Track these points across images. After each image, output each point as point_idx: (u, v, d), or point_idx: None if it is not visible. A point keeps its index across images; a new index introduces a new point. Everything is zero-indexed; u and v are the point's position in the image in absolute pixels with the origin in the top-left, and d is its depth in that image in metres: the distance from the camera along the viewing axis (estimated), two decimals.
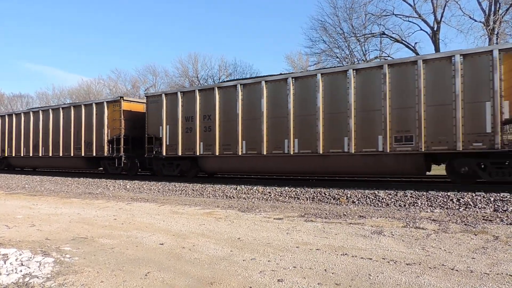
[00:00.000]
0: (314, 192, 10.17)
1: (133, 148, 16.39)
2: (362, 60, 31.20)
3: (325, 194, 9.94)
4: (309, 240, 5.46)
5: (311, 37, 36.87)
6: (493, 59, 8.99)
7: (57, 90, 64.56)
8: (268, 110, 12.09)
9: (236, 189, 11.59)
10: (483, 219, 6.72)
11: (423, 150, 9.69)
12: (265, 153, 12.08)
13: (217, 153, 13.12)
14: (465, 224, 6.30)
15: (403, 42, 31.16)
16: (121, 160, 16.15)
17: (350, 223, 6.69)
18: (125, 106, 16.42)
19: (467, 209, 7.74)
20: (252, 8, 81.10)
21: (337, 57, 32.87)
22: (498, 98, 8.91)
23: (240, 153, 12.58)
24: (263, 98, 12.13)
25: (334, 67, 14.97)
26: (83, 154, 17.63)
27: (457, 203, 8.11)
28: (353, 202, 9.15)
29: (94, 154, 17.14)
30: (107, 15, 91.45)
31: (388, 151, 10.11)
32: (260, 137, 12.17)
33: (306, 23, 74.36)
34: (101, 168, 18.51)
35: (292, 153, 11.60)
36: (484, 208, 7.67)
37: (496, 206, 7.66)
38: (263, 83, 12.15)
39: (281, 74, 12.61)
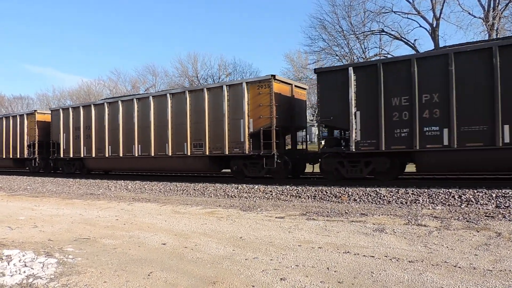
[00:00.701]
0: (316, 191, 10.17)
1: (47, 151, 19.30)
2: (362, 58, 31.17)
3: (327, 192, 9.94)
4: (311, 239, 5.46)
5: (310, 36, 36.86)
6: (242, 88, 12.45)
7: (57, 92, 64.68)
8: (123, 122, 15.89)
9: (238, 188, 11.60)
10: (485, 216, 6.72)
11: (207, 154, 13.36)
12: (121, 155, 15.91)
13: (93, 155, 17.00)
14: (467, 221, 6.30)
15: (403, 39, 31.15)
16: (36, 161, 19.71)
17: (352, 221, 6.69)
18: (38, 117, 20.14)
19: (469, 206, 7.74)
20: (252, 7, 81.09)
21: (337, 55, 32.87)
22: (246, 117, 12.30)
23: (107, 155, 16.47)
24: (119, 114, 16.03)
25: (162, 90, 19.73)
26: (11, 156, 21.21)
27: (459, 199, 8.10)
28: (355, 200, 9.15)
29: (18, 156, 20.66)
30: (107, 16, 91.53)
31: (189, 154, 13.77)
32: (118, 143, 15.93)
33: (305, 21, 74.67)
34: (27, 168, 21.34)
35: (136, 155, 15.36)
36: (486, 204, 7.67)
37: (498, 202, 7.65)
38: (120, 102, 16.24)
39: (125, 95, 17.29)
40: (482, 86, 9.00)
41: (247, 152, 12.33)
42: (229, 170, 13.90)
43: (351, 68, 10.69)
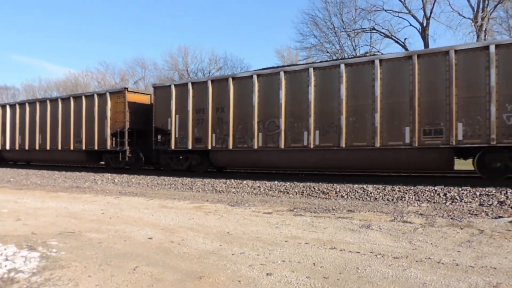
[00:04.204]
0: (304, 187, 10.22)
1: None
2: (353, 55, 31.30)
3: (314, 188, 9.99)
4: (298, 234, 5.49)
5: (302, 32, 36.79)
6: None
7: (44, 82, 63.53)
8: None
9: (226, 183, 11.58)
10: (469, 213, 6.83)
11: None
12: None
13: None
14: (451, 218, 6.40)
15: (393, 37, 31.38)
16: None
17: (339, 217, 6.74)
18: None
19: (453, 203, 7.87)
20: (243, 0, 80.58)
21: (328, 52, 32.96)
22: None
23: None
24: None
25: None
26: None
27: (444, 197, 8.23)
28: (342, 196, 9.22)
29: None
30: (95, 6, 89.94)
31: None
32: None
33: (297, 17, 74.37)
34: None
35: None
36: (470, 202, 7.81)
37: (481, 200, 7.80)
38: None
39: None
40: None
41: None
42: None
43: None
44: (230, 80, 12.84)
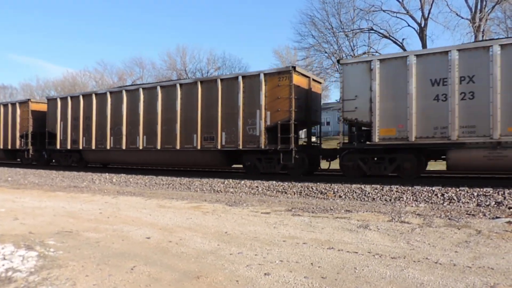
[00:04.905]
0: (302, 187, 10.22)
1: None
2: (351, 55, 31.35)
3: (313, 188, 10.00)
4: (296, 234, 5.49)
5: (300, 32, 36.81)
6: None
7: (41, 82, 63.37)
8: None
9: (224, 183, 11.57)
10: (466, 214, 6.85)
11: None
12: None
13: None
14: (449, 219, 6.41)
15: (391, 38, 31.46)
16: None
17: (337, 217, 6.75)
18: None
19: (451, 204, 7.88)
20: (242, 0, 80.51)
21: (326, 52, 32.98)
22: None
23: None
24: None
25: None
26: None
27: (442, 197, 8.25)
28: (340, 196, 9.23)
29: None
30: (94, 6, 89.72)
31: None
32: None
33: (295, 17, 74.39)
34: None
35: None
36: (468, 202, 7.83)
37: (479, 201, 7.82)
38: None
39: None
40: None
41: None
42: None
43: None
44: (94, 96, 16.56)
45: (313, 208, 7.80)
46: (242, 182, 11.43)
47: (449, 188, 8.75)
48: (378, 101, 10.19)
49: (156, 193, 10.72)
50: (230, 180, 11.91)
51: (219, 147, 12.77)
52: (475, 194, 8.16)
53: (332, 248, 4.72)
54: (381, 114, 10.16)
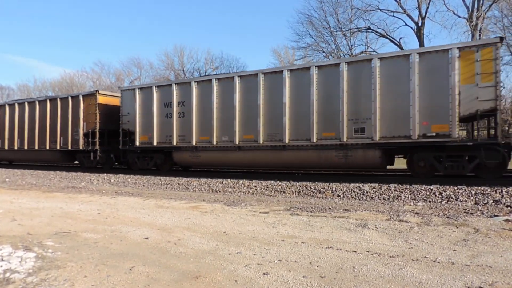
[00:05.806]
0: (300, 186, 10.23)
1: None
2: (348, 54, 31.39)
3: (311, 188, 10.01)
4: (295, 234, 5.49)
5: (298, 31, 36.95)
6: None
7: (39, 82, 63.19)
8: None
9: (222, 183, 11.57)
10: (464, 212, 6.87)
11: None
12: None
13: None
14: (447, 217, 6.43)
15: (388, 37, 31.50)
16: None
17: (335, 217, 6.76)
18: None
19: (449, 202, 7.90)
20: (239, 0, 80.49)
21: (323, 52, 33.00)
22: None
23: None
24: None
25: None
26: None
27: (440, 196, 8.27)
28: (338, 195, 9.24)
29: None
30: (90, 5, 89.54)
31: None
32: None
33: (292, 17, 74.37)
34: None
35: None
36: (466, 201, 7.85)
37: (477, 199, 7.84)
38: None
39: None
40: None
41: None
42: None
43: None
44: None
45: (311, 207, 7.81)
46: (241, 182, 11.43)
47: (447, 187, 8.77)
48: (138, 117, 15.16)
49: (154, 193, 10.71)
50: (229, 180, 11.92)
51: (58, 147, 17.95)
52: (473, 192, 8.18)
53: (330, 247, 4.73)
54: (140, 126, 15.15)
